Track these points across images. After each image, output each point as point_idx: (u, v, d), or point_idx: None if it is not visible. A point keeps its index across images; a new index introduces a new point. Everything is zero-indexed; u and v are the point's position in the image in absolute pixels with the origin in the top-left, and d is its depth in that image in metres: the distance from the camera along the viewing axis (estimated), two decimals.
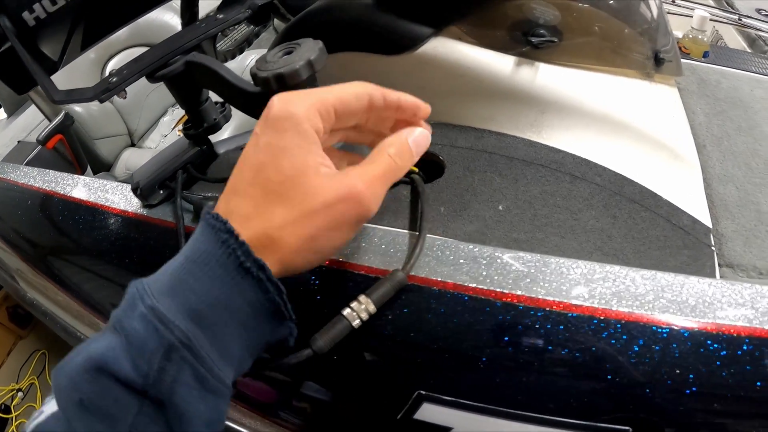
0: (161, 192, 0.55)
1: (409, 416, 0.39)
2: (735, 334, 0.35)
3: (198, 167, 0.56)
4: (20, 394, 1.33)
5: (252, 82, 0.42)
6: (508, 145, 0.50)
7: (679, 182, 0.54)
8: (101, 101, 0.47)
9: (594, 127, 0.52)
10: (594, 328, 0.36)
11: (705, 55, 0.68)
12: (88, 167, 0.95)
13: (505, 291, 0.38)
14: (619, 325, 0.36)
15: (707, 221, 0.52)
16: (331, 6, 0.48)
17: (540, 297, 0.37)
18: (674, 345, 0.35)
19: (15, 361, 1.39)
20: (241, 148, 0.59)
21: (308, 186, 0.26)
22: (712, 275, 0.47)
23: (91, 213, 0.59)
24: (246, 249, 0.25)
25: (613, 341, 0.36)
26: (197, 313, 0.25)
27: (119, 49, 1.12)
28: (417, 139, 0.31)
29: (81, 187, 0.62)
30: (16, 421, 1.26)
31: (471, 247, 0.41)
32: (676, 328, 0.35)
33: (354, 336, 0.35)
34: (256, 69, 0.40)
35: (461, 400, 0.38)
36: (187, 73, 0.49)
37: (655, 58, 0.55)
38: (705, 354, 0.35)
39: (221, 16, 0.52)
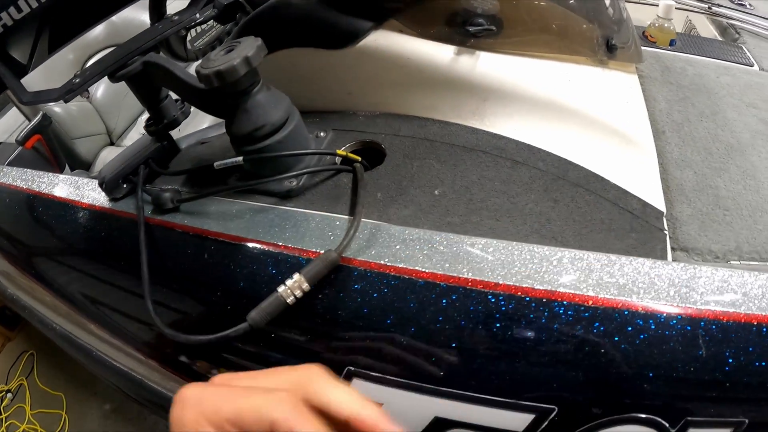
0: (125, 186, 0.64)
1: None
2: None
3: (159, 162, 0.65)
4: (9, 395, 1.47)
5: None
6: (451, 133, 0.58)
7: (631, 167, 0.60)
8: (66, 101, 0.57)
9: (537, 113, 0.59)
10: (512, 306, 0.43)
11: (671, 43, 0.74)
12: (66, 166, 1.07)
13: (426, 270, 0.45)
14: (533, 303, 0.43)
15: (661, 206, 0.58)
16: (277, 5, 0.57)
17: (462, 276, 0.45)
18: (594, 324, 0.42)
19: (3, 363, 1.53)
20: (201, 143, 0.68)
21: None
22: (664, 258, 0.53)
23: (63, 208, 0.69)
24: None
25: (531, 318, 0.43)
26: None
27: (98, 50, 1.24)
28: None
29: (55, 184, 0.72)
30: (6, 422, 1.39)
31: (402, 230, 0.48)
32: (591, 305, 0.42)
33: (290, 313, 0.43)
34: (200, 67, 0.49)
35: (388, 377, 0.45)
36: (144, 73, 0.58)
37: (606, 44, 0.61)
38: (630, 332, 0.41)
39: (177, 18, 0.61)
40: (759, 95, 0.67)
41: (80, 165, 1.19)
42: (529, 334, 0.43)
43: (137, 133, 1.32)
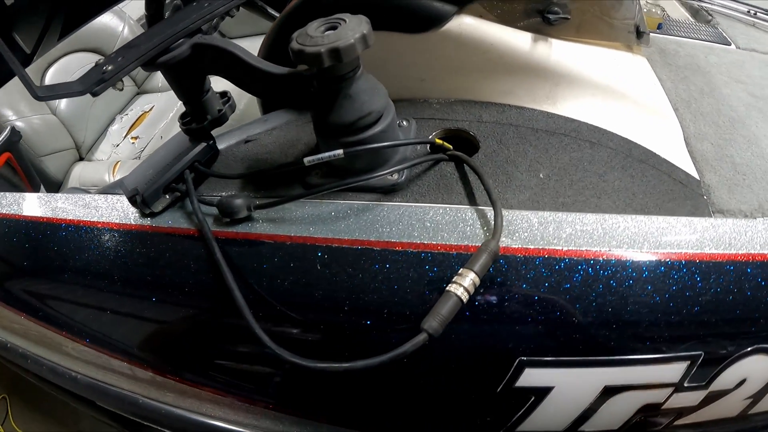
0: (167, 197, 0.46)
1: (510, 385, 0.36)
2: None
3: (203, 165, 0.48)
4: None
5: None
6: (530, 118, 0.48)
7: (667, 141, 0.56)
8: (95, 94, 0.38)
9: (599, 96, 0.52)
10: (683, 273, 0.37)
11: (659, 26, 0.72)
12: (41, 186, 0.79)
13: (590, 249, 0.36)
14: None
15: (695, 175, 0.55)
16: None
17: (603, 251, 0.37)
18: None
19: None
20: (246, 141, 0.52)
21: None
22: None
23: (81, 232, 0.48)
24: None
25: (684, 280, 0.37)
26: None
27: (58, 56, 0.95)
28: None
29: (63, 204, 0.51)
30: None
31: (533, 213, 0.39)
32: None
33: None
34: (300, 45, 0.34)
35: (561, 358, 0.36)
36: (192, 58, 0.41)
37: (637, 30, 0.56)
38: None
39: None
40: (743, 72, 0.67)
41: (49, 186, 0.90)
42: (687, 293, 0.38)
43: (108, 144, 1.04)
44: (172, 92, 1.11)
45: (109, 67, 0.38)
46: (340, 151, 0.38)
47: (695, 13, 0.81)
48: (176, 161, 0.46)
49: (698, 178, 0.54)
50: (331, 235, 0.37)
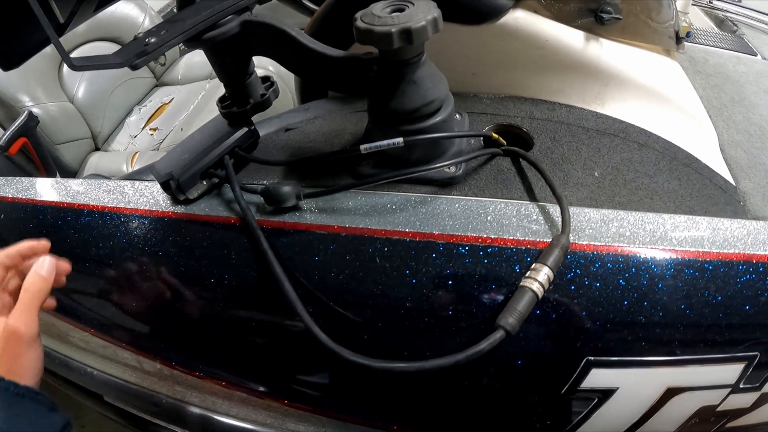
0: (203, 183, 0.42)
1: (575, 387, 0.32)
2: None
3: (244, 152, 0.43)
4: None
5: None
6: (580, 117, 0.45)
7: (705, 147, 0.53)
8: (134, 68, 0.33)
9: (644, 98, 0.49)
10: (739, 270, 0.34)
11: (687, 35, 0.69)
12: (57, 174, 0.73)
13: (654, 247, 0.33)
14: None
15: (731, 181, 0.52)
16: None
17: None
18: None
19: None
20: (287, 129, 0.48)
21: None
22: None
23: (105, 219, 0.44)
24: None
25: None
26: None
27: (77, 44, 0.89)
28: (42, 266, 0.33)
29: (84, 189, 0.46)
30: None
31: (596, 211, 0.35)
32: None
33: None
34: (368, 24, 0.30)
35: (626, 358, 0.33)
36: (241, 36, 0.37)
37: (677, 36, 0.54)
38: None
39: None
40: None
41: (65, 174, 0.84)
42: (743, 292, 0.35)
43: (126, 135, 0.98)
44: (191, 85, 1.05)
45: (152, 39, 0.33)
46: (400, 140, 0.34)
47: (720, 23, 0.79)
48: (215, 146, 0.41)
49: (734, 185, 0.51)
50: (390, 227, 0.33)
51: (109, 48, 0.96)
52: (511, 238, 0.32)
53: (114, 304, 0.45)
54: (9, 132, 0.63)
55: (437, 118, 0.35)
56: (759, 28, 0.80)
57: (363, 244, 0.33)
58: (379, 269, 0.32)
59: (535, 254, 0.31)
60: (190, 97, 1.00)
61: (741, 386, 0.38)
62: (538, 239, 0.32)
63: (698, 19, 0.79)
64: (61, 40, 0.32)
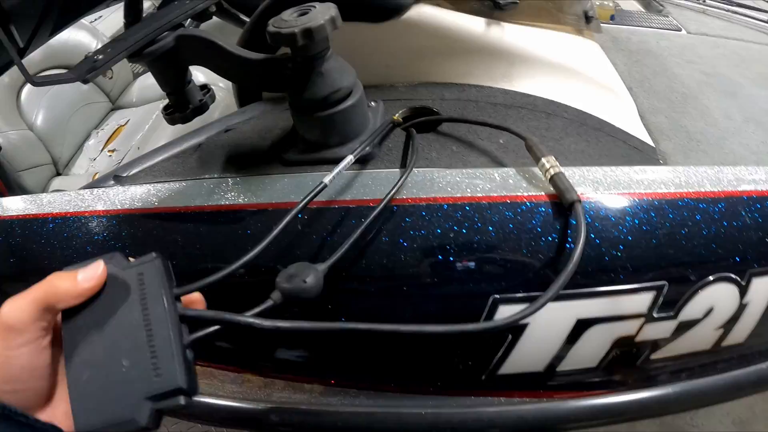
0: None
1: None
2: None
3: None
4: None
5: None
6: (488, 94, 0.56)
7: (622, 115, 0.64)
8: (85, 82, 0.44)
9: (552, 74, 0.60)
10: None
11: (612, 18, 0.82)
12: None
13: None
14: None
15: (651, 143, 0.63)
16: None
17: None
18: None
19: None
20: (225, 131, 0.59)
21: None
22: None
23: (68, 223, 0.54)
24: None
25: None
26: None
27: (33, 73, 1.01)
28: (88, 270, 0.29)
29: (48, 200, 0.56)
30: None
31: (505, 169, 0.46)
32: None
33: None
34: (276, 28, 0.41)
35: (533, 293, 0.42)
36: (176, 49, 0.48)
37: (585, 16, 0.65)
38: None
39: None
40: (694, 53, 0.76)
41: None
42: (645, 228, 0.45)
43: (86, 159, 1.09)
44: (146, 106, 1.18)
45: (100, 57, 0.44)
46: (350, 157, 0.44)
47: (647, 4, 0.92)
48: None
49: (654, 146, 0.62)
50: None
51: None
52: (416, 197, 0.42)
53: None
54: None
55: (348, 103, 0.46)
56: (685, 6, 0.92)
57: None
58: (306, 234, 0.42)
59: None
60: (145, 117, 1.12)
61: (655, 315, 0.47)
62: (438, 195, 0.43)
63: (628, 4, 0.92)
64: (15, 70, 0.43)
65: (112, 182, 0.56)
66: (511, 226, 0.43)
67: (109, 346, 0.28)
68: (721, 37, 0.91)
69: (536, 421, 0.48)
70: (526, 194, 0.44)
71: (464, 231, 0.42)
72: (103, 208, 0.53)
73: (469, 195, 0.44)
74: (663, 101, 0.69)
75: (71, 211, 0.55)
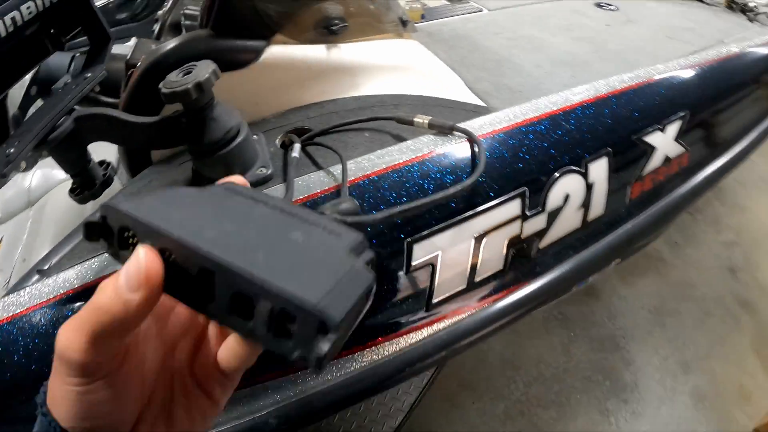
0: None
1: (410, 264, 0.59)
2: None
3: None
4: None
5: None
6: (343, 104, 0.74)
7: (453, 90, 0.86)
8: (3, 175, 0.52)
9: (389, 73, 0.80)
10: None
11: (423, 17, 1.05)
12: None
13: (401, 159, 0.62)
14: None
15: (483, 104, 0.86)
16: (179, 46, 0.64)
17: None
18: None
19: None
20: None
21: None
22: None
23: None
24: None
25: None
26: None
27: None
28: (129, 269, 0.22)
29: None
30: None
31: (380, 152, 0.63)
32: None
33: None
34: (169, 88, 0.52)
35: (430, 229, 0.60)
36: (77, 131, 0.57)
37: (401, 21, 0.86)
38: None
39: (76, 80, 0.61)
40: (497, 26, 1.01)
41: None
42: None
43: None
44: (14, 219, 1.16)
45: (11, 150, 0.53)
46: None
47: None
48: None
49: (485, 105, 0.84)
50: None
51: None
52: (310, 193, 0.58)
53: None
54: None
55: (239, 139, 0.59)
56: None
57: None
58: None
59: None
60: (18, 229, 1.11)
61: (528, 213, 0.66)
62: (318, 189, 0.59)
63: (434, 2, 1.17)
64: None
65: (38, 277, 0.60)
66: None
67: (259, 231, 0.25)
68: (518, 5, 1.20)
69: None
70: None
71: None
72: (47, 298, 0.58)
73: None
74: (482, 71, 0.93)
75: (12, 314, 0.59)
